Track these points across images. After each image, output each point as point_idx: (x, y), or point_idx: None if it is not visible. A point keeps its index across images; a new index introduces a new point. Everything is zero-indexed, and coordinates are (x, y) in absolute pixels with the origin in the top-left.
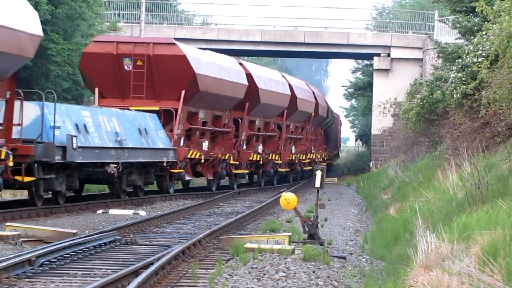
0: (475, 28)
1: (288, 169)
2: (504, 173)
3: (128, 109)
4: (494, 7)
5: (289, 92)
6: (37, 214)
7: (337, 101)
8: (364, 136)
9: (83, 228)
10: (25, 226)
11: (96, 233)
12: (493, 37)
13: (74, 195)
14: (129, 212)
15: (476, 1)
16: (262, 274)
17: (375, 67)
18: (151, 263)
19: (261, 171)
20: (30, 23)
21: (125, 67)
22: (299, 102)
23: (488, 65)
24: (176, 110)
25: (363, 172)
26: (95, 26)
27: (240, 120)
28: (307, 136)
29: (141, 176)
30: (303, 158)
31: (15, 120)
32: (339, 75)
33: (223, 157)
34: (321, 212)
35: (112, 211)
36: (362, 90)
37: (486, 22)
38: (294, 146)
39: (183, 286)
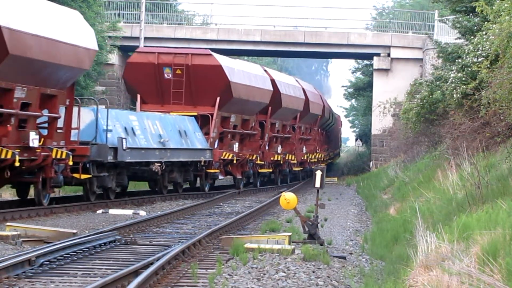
0: (475, 28)
1: (301, 168)
2: (504, 173)
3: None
4: (494, 7)
5: (303, 97)
6: (37, 214)
7: (337, 101)
8: (364, 136)
9: (83, 228)
10: (25, 226)
11: (96, 233)
12: (493, 37)
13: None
14: (129, 212)
15: (476, 1)
16: (262, 274)
17: (375, 67)
18: (151, 263)
19: (278, 170)
20: (87, 39)
21: (165, 75)
22: (311, 105)
23: (488, 65)
24: (212, 115)
25: (363, 172)
26: (95, 26)
27: (264, 123)
28: (314, 137)
29: (181, 174)
30: (312, 157)
31: (73, 124)
32: (339, 75)
33: (250, 158)
34: (321, 212)
35: (112, 211)
36: (362, 90)
37: (486, 22)
38: (304, 147)
39: (183, 286)
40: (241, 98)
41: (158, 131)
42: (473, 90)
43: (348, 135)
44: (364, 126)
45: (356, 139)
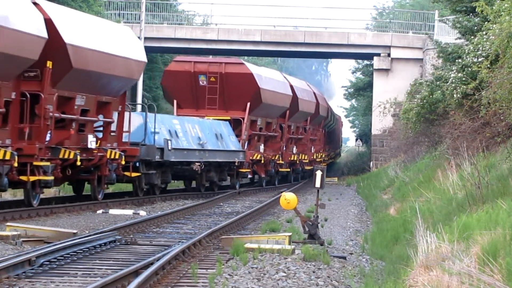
0: (475, 28)
1: (311, 167)
2: (504, 173)
3: (203, 118)
4: (494, 7)
5: (314, 100)
6: (37, 214)
7: (338, 101)
8: (364, 136)
9: (83, 228)
10: (25, 226)
11: (96, 233)
12: (493, 37)
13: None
14: (129, 212)
15: (476, 1)
16: (262, 274)
17: (375, 67)
18: (151, 263)
19: (292, 169)
20: (137, 52)
21: (200, 82)
22: (320, 108)
23: (488, 65)
24: (243, 119)
25: (363, 172)
26: None
27: (282, 125)
28: (320, 137)
29: (217, 173)
30: (318, 156)
31: (125, 128)
32: (340, 75)
33: (272, 158)
34: (321, 212)
35: (112, 211)
36: (362, 90)
37: (486, 22)
38: (312, 146)
39: (183, 286)
40: (268, 103)
41: (197, 134)
42: (473, 90)
43: (348, 135)
44: (364, 126)
45: (356, 139)
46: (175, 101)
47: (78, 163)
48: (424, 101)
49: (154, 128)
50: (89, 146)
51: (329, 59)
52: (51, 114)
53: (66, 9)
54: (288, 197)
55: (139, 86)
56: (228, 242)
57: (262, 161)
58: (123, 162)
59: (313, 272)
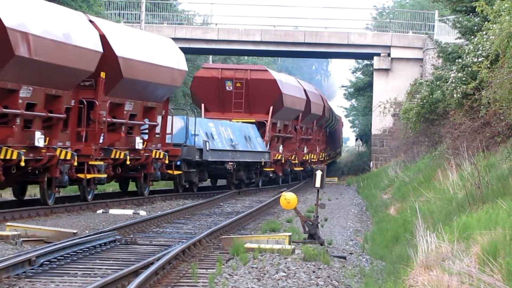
0: (475, 28)
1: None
2: (504, 173)
3: (230, 121)
4: (494, 7)
5: (322, 103)
6: (37, 214)
7: (338, 101)
8: (364, 136)
9: (83, 228)
10: (25, 226)
11: (96, 233)
12: (493, 37)
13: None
14: (129, 212)
15: (476, 1)
16: (262, 274)
17: (375, 67)
18: (151, 263)
19: (303, 168)
20: (179, 62)
21: (227, 87)
22: (326, 110)
23: (488, 65)
24: (267, 122)
25: (363, 172)
26: None
27: (296, 127)
28: (323, 138)
29: (245, 172)
30: (322, 156)
31: (168, 130)
32: (340, 75)
33: (289, 158)
34: (321, 212)
35: (112, 211)
36: (362, 90)
37: (486, 22)
38: (317, 146)
39: (183, 286)
40: (288, 106)
41: (229, 136)
42: (473, 90)
43: (348, 135)
44: (364, 126)
45: (356, 139)
46: (203, 105)
47: (128, 162)
48: (424, 101)
49: (195, 130)
50: (136, 147)
51: (329, 59)
52: (104, 119)
53: (117, 25)
54: (288, 197)
55: None
56: (228, 242)
57: (283, 161)
58: (166, 161)
59: (313, 272)
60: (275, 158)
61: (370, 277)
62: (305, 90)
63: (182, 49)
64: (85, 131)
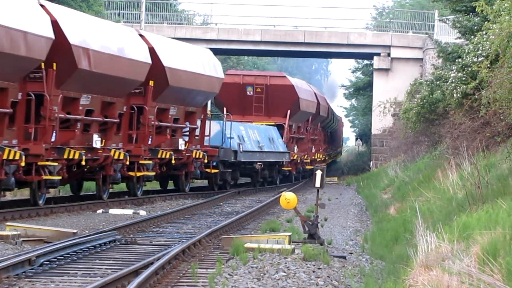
0: (475, 27)
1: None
2: (504, 172)
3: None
4: (494, 7)
5: (326, 105)
6: (37, 213)
7: (338, 101)
8: (364, 135)
9: (83, 228)
10: (25, 226)
11: (96, 233)
12: (493, 37)
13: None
14: (129, 212)
15: (476, 0)
16: (262, 274)
17: (375, 66)
18: (151, 263)
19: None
20: (217, 70)
21: (248, 92)
22: (330, 112)
23: (488, 65)
24: (285, 124)
25: (363, 171)
26: None
27: (307, 129)
28: (326, 138)
29: (269, 171)
30: (325, 155)
31: (206, 133)
32: (340, 75)
33: (302, 157)
34: (321, 211)
35: (112, 211)
36: (362, 90)
37: (486, 22)
38: (322, 146)
39: (183, 285)
40: (303, 110)
41: (257, 138)
42: (473, 90)
43: (348, 135)
44: (364, 126)
45: (356, 139)
46: (225, 109)
47: (173, 161)
48: (424, 100)
49: (230, 134)
50: (179, 148)
51: (329, 59)
52: (152, 122)
53: (164, 38)
54: (288, 197)
55: None
56: (228, 242)
57: (298, 160)
58: (206, 161)
59: (313, 271)
60: (292, 158)
61: (370, 277)
62: (315, 94)
63: None
64: (135, 134)
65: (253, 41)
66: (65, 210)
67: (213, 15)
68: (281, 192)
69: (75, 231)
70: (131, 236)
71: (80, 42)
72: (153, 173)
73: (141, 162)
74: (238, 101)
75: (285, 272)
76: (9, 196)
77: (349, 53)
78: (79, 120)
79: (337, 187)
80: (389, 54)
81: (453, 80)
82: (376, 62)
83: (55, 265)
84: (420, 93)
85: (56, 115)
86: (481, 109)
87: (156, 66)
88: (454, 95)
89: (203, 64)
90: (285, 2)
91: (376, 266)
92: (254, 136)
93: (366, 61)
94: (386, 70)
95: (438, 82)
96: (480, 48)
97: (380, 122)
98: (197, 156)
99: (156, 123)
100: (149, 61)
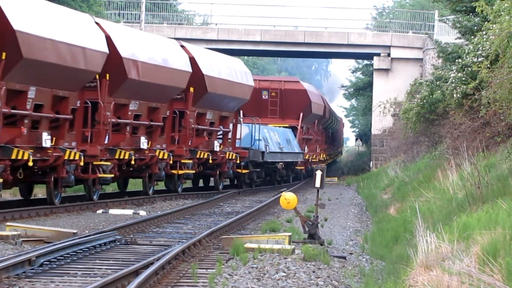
0: (475, 28)
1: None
2: (504, 173)
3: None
4: (494, 7)
5: (328, 106)
6: (37, 214)
7: (337, 101)
8: (364, 136)
9: (83, 228)
10: (25, 226)
11: (96, 233)
12: (493, 37)
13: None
14: (129, 212)
15: (476, 1)
16: (262, 274)
17: (375, 67)
18: (151, 263)
19: None
20: (248, 78)
21: (263, 96)
22: (331, 113)
23: (488, 65)
24: (298, 126)
25: (363, 172)
26: None
27: (315, 130)
28: (328, 139)
29: (285, 170)
30: (327, 155)
31: (237, 136)
32: (340, 75)
33: (311, 157)
34: (321, 212)
35: (112, 211)
36: (362, 90)
37: (486, 22)
38: (325, 146)
39: (183, 286)
40: (314, 113)
41: (277, 139)
42: (473, 90)
43: (348, 135)
44: (364, 126)
45: (356, 139)
46: (241, 112)
47: (210, 161)
48: (424, 101)
49: (258, 136)
50: (215, 149)
51: (329, 59)
52: (192, 125)
53: (202, 49)
54: (288, 197)
55: None
56: (228, 242)
57: (309, 160)
58: (238, 161)
59: (313, 272)
60: (305, 158)
61: (370, 277)
62: (322, 97)
63: None
64: (177, 135)
65: (253, 41)
66: (65, 210)
67: (213, 15)
68: (281, 192)
69: (75, 231)
70: (131, 236)
71: (130, 55)
72: (193, 171)
73: (182, 161)
74: (254, 104)
75: (285, 272)
76: (9, 196)
77: (349, 53)
78: (128, 124)
79: (337, 187)
80: (389, 54)
81: (453, 80)
82: (376, 62)
83: (55, 265)
84: (420, 93)
85: (109, 120)
86: (481, 109)
87: (196, 74)
88: (454, 95)
89: (236, 72)
90: (285, 2)
91: (376, 266)
92: (275, 138)
93: (366, 61)
94: (386, 70)
95: (438, 82)
96: (480, 48)
97: (380, 122)
98: (230, 157)
99: (196, 126)
100: (190, 69)
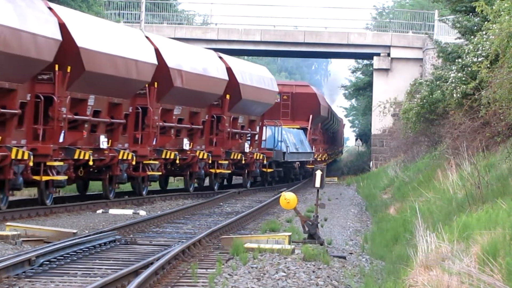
0: (475, 28)
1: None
2: (504, 173)
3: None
4: (494, 7)
5: (329, 107)
6: (37, 214)
7: (337, 101)
8: (364, 136)
9: (83, 228)
10: (25, 226)
11: (96, 233)
12: (493, 37)
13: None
14: (129, 212)
15: (476, 1)
16: (262, 274)
17: (375, 67)
18: (151, 263)
19: None
20: (273, 85)
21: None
22: (331, 114)
23: (488, 65)
24: (307, 127)
25: (363, 172)
26: None
27: (320, 130)
28: (329, 139)
29: (299, 169)
30: (328, 154)
31: (263, 138)
32: (340, 75)
33: (318, 156)
34: (321, 212)
35: (112, 211)
36: (362, 90)
37: (486, 22)
38: (327, 146)
39: (183, 286)
40: (322, 115)
41: (293, 140)
42: (473, 90)
43: (348, 135)
44: (364, 126)
45: (356, 139)
46: None
47: (243, 161)
48: (424, 101)
49: (280, 138)
50: (245, 150)
51: (329, 59)
52: (228, 129)
53: (237, 59)
54: (288, 197)
55: None
56: (228, 242)
57: (317, 159)
58: (265, 161)
59: (313, 272)
60: (316, 157)
61: (370, 277)
62: (324, 99)
63: None
64: (215, 138)
65: (253, 41)
66: (65, 210)
67: (213, 15)
68: (281, 192)
69: (75, 231)
70: (131, 236)
71: (175, 65)
72: (229, 171)
73: (219, 161)
74: None
75: (285, 272)
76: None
77: (349, 53)
78: (173, 127)
79: (337, 187)
80: (389, 54)
81: (453, 80)
82: (376, 62)
83: (55, 265)
84: (420, 93)
85: (157, 123)
86: (481, 109)
87: (232, 83)
88: (454, 95)
89: (264, 80)
90: (285, 2)
91: (376, 266)
92: (291, 139)
93: (366, 61)
94: (386, 70)
95: (438, 82)
96: (480, 48)
97: (380, 122)
98: (257, 158)
99: (230, 130)
100: (227, 78)
